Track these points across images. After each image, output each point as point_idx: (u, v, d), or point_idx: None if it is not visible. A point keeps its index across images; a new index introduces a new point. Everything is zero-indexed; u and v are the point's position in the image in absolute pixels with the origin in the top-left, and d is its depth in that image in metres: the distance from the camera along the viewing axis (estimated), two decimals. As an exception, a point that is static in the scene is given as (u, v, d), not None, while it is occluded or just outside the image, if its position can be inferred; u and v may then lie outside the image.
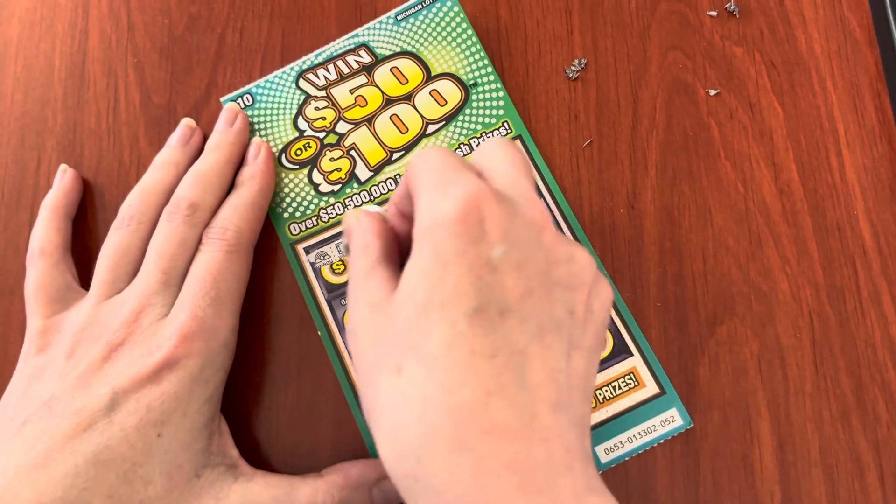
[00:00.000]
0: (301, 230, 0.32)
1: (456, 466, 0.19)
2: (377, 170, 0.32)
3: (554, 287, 0.22)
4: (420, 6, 0.33)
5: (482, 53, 0.33)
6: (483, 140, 0.32)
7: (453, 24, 0.33)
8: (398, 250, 0.26)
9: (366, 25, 0.34)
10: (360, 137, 0.32)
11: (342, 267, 0.31)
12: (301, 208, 0.32)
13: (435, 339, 0.20)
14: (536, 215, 0.22)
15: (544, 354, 0.21)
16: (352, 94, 0.33)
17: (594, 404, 0.29)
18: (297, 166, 0.32)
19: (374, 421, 0.21)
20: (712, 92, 0.33)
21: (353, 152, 0.32)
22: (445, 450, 0.19)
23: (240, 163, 0.32)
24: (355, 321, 0.23)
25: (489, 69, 0.33)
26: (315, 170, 0.32)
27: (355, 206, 0.32)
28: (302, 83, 0.33)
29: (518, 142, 0.32)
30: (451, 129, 0.32)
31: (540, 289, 0.21)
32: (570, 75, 0.33)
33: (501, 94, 0.32)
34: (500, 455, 0.19)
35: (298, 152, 0.32)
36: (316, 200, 0.32)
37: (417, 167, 0.23)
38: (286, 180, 0.32)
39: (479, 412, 0.19)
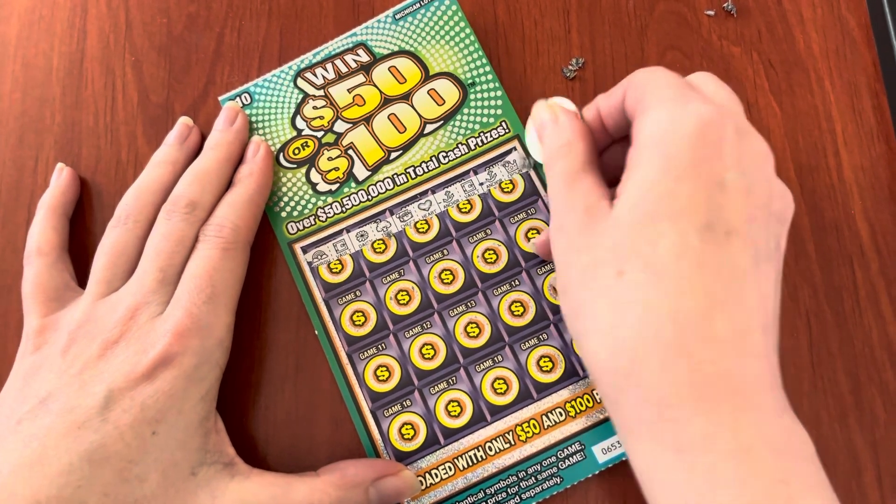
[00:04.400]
0: (298, 229, 0.32)
1: (673, 368, 0.20)
2: (375, 169, 0.32)
3: (770, 218, 0.22)
4: (418, 5, 0.33)
5: (480, 53, 0.33)
6: (482, 137, 0.32)
7: (451, 24, 0.33)
8: (598, 158, 0.26)
9: (364, 24, 0.34)
10: (358, 137, 0.32)
11: (339, 266, 0.31)
12: (299, 207, 0.32)
13: (663, 248, 0.21)
14: (764, 148, 0.23)
15: (758, 279, 0.21)
16: (350, 93, 0.33)
17: (592, 404, 0.29)
18: (295, 165, 0.32)
19: (586, 319, 0.22)
20: (710, 91, 0.33)
21: (350, 151, 0.32)
22: (664, 352, 0.20)
23: (238, 162, 0.32)
24: (568, 222, 0.23)
25: (487, 68, 0.33)
26: (313, 169, 0.32)
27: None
28: (300, 82, 0.33)
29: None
30: (449, 128, 0.32)
31: (761, 217, 0.22)
32: (568, 75, 0.33)
33: (499, 93, 0.32)
34: (716, 363, 0.20)
35: (296, 151, 0.32)
36: (314, 200, 0.32)
37: (647, 81, 0.23)
38: (284, 179, 0.32)
39: (700, 321, 0.20)
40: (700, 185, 0.21)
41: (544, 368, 0.29)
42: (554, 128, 0.25)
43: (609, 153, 0.27)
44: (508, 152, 0.32)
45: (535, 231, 0.31)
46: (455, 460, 0.29)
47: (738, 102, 0.24)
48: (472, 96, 0.32)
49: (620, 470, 0.29)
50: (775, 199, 0.23)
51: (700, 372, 0.20)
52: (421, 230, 0.31)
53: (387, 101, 0.33)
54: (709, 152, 0.21)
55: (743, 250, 0.21)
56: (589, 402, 0.29)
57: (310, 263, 0.31)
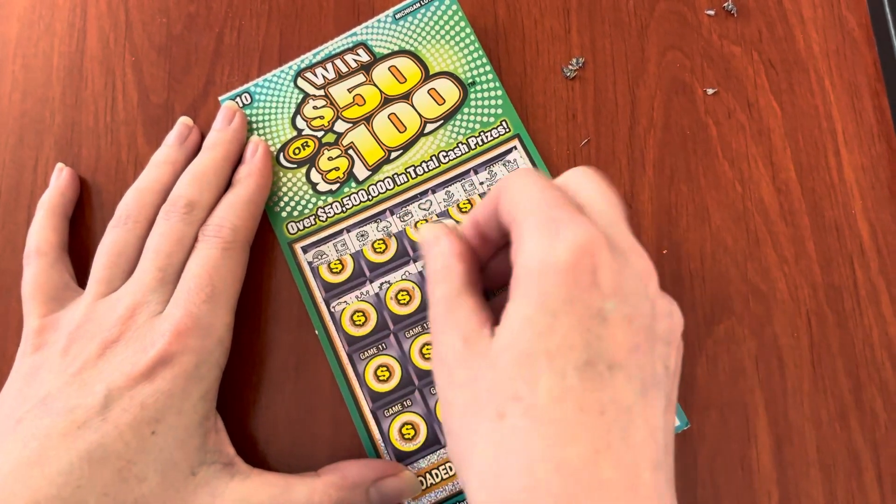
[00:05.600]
0: (299, 229, 0.32)
1: None
2: (375, 169, 0.32)
3: (656, 342, 0.21)
4: (418, 5, 0.33)
5: (481, 52, 0.33)
6: (482, 137, 0.32)
7: (452, 23, 0.33)
8: (480, 275, 0.25)
9: (364, 24, 0.34)
10: (359, 136, 0.32)
11: (340, 266, 0.31)
12: (299, 207, 0.32)
13: (542, 390, 0.19)
14: (644, 266, 0.22)
15: (646, 412, 0.20)
16: (350, 92, 0.33)
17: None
18: (295, 165, 0.32)
19: (468, 464, 0.21)
20: (710, 91, 0.33)
21: (351, 151, 0.32)
22: None
23: (237, 161, 0.32)
24: (446, 353, 0.22)
25: (488, 68, 0.33)
26: (313, 169, 0.32)
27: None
28: (300, 82, 0.33)
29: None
30: (450, 127, 0.32)
31: (645, 344, 0.21)
32: (568, 74, 0.33)
33: (500, 93, 0.32)
34: None
35: (296, 151, 0.32)
36: (314, 199, 0.32)
37: (516, 195, 0.22)
38: (284, 179, 0.32)
39: (587, 469, 0.19)
40: (577, 319, 0.20)
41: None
42: (434, 250, 0.24)
43: (497, 261, 0.26)
44: (509, 152, 0.32)
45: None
46: (455, 460, 0.29)
47: (616, 205, 0.23)
48: (472, 96, 0.32)
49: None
50: (660, 319, 0.21)
51: None
52: (421, 230, 0.31)
53: (387, 100, 0.33)
54: (584, 283, 0.20)
55: (627, 383, 0.20)
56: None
57: (310, 263, 0.31)
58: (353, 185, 0.32)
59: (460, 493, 0.29)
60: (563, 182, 0.24)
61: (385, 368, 0.30)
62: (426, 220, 0.31)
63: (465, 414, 0.21)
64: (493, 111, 0.32)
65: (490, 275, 0.26)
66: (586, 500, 0.19)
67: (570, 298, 0.20)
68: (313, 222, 0.32)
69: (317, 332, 0.30)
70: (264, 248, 0.32)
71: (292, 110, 0.33)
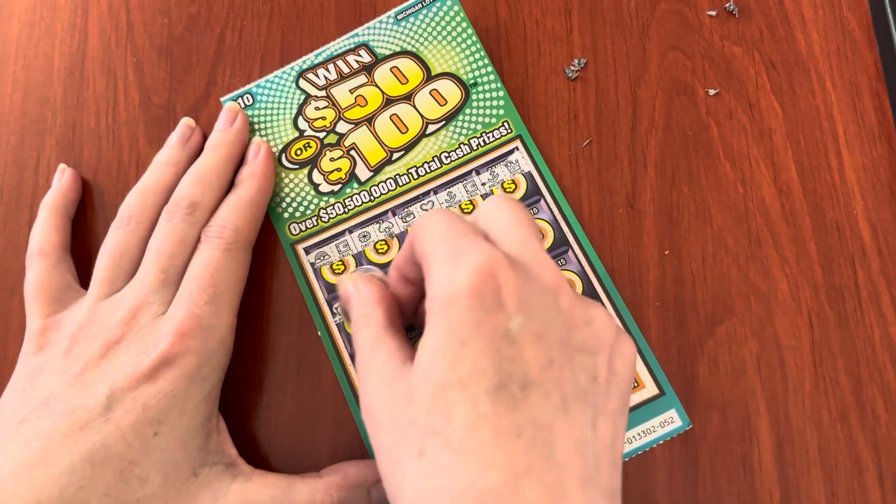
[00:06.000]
0: (301, 230, 0.32)
1: None
2: (377, 170, 0.32)
3: (575, 353, 0.21)
4: (420, 5, 0.33)
5: (482, 53, 0.33)
6: (484, 137, 0.32)
7: (453, 24, 0.33)
8: (402, 317, 0.25)
9: (365, 25, 0.34)
10: (361, 137, 0.32)
11: (342, 267, 0.31)
12: (301, 208, 0.32)
13: (457, 421, 0.19)
14: (551, 278, 0.21)
15: (570, 428, 0.20)
16: (352, 93, 0.33)
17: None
18: (297, 166, 0.32)
19: None
20: (712, 92, 0.33)
21: (353, 152, 0.32)
22: None
23: (240, 162, 0.32)
24: (370, 399, 0.22)
25: (489, 69, 0.33)
26: (315, 170, 0.32)
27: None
28: (302, 83, 0.33)
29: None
30: (451, 128, 0.32)
31: (561, 357, 0.20)
32: (570, 75, 0.33)
33: (501, 93, 0.32)
34: None
35: (298, 152, 0.32)
36: (316, 200, 0.32)
37: (423, 233, 0.22)
38: (286, 180, 0.32)
39: (507, 496, 0.18)
40: (485, 343, 0.19)
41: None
42: (355, 299, 0.24)
43: (425, 304, 0.26)
44: (511, 152, 0.32)
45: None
46: (457, 461, 0.29)
47: (526, 226, 0.22)
48: (473, 96, 0.32)
49: (623, 471, 0.29)
50: (577, 329, 0.21)
51: None
52: (423, 231, 0.31)
53: (389, 101, 0.33)
54: (489, 305, 0.20)
55: (544, 401, 0.19)
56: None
57: (312, 264, 0.31)
58: (355, 185, 0.32)
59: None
60: (476, 214, 0.23)
61: (387, 369, 0.30)
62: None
63: (392, 457, 0.21)
64: (494, 112, 0.32)
65: (421, 320, 0.26)
66: None
67: (477, 323, 0.20)
68: (315, 223, 0.32)
69: (319, 332, 0.31)
70: (266, 249, 0.32)
71: (294, 111, 0.33)
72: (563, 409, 0.20)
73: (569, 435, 0.20)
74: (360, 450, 0.30)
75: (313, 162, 0.32)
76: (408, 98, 0.33)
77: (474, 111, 0.32)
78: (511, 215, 0.23)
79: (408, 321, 0.27)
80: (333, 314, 0.31)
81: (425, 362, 0.20)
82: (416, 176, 0.32)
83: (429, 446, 0.19)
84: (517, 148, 0.32)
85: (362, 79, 0.33)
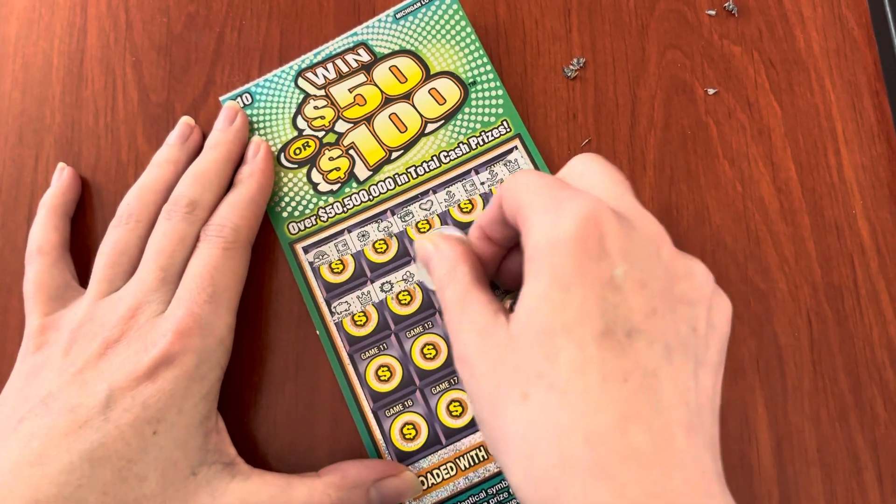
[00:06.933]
0: (300, 229, 0.32)
1: (597, 494, 0.18)
2: (376, 169, 0.32)
3: (676, 304, 0.21)
4: (419, 4, 0.33)
5: (481, 52, 0.33)
6: (483, 136, 0.32)
7: (452, 23, 0.33)
8: (486, 274, 0.25)
9: (364, 24, 0.34)
10: (359, 136, 0.32)
11: (341, 266, 0.31)
12: (300, 208, 0.32)
13: (563, 364, 0.19)
14: (653, 230, 0.21)
15: (674, 375, 0.20)
16: (351, 92, 0.33)
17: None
18: (296, 165, 0.32)
19: (503, 450, 0.21)
20: (711, 91, 0.33)
21: (352, 151, 0.32)
22: (585, 477, 0.19)
23: (239, 161, 0.32)
24: (465, 349, 0.22)
25: (488, 67, 0.33)
26: (314, 169, 0.32)
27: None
28: (301, 82, 0.33)
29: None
30: (450, 127, 0.32)
31: (664, 307, 0.20)
32: (569, 74, 0.33)
33: (501, 92, 0.32)
34: (640, 482, 0.18)
35: (297, 151, 0.32)
36: (315, 200, 0.32)
37: (517, 189, 0.22)
38: (285, 179, 0.32)
39: (616, 438, 0.19)
40: (590, 289, 0.20)
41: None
42: (437, 257, 0.24)
43: (509, 261, 0.26)
44: (510, 151, 0.32)
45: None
46: (456, 460, 0.29)
47: (621, 181, 0.23)
48: (472, 95, 0.32)
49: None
50: (678, 281, 0.21)
51: (625, 494, 0.18)
52: (422, 230, 0.31)
53: (388, 100, 0.33)
54: (593, 252, 0.20)
55: (649, 348, 0.20)
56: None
57: (311, 263, 0.31)
58: (354, 185, 0.32)
59: (462, 493, 0.29)
60: (565, 172, 0.24)
61: (386, 368, 0.30)
62: (427, 221, 0.31)
63: (493, 402, 0.21)
64: (493, 111, 0.32)
65: (505, 276, 0.26)
66: (619, 468, 0.19)
67: (581, 269, 0.20)
68: (314, 222, 0.32)
69: (317, 332, 0.30)
70: (265, 249, 0.32)
71: (293, 110, 0.33)
72: (666, 357, 0.20)
73: (673, 382, 0.20)
74: (359, 449, 0.30)
75: (312, 161, 0.32)
76: (407, 97, 0.33)
77: (473, 110, 0.32)
78: (603, 170, 0.23)
79: (489, 279, 0.27)
80: (332, 313, 0.31)
81: (528, 308, 0.20)
82: (414, 175, 0.32)
83: (533, 389, 0.20)
84: (516, 147, 0.32)
85: (361, 78, 0.33)
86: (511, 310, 0.22)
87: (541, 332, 0.20)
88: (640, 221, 0.21)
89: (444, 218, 0.31)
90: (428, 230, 0.31)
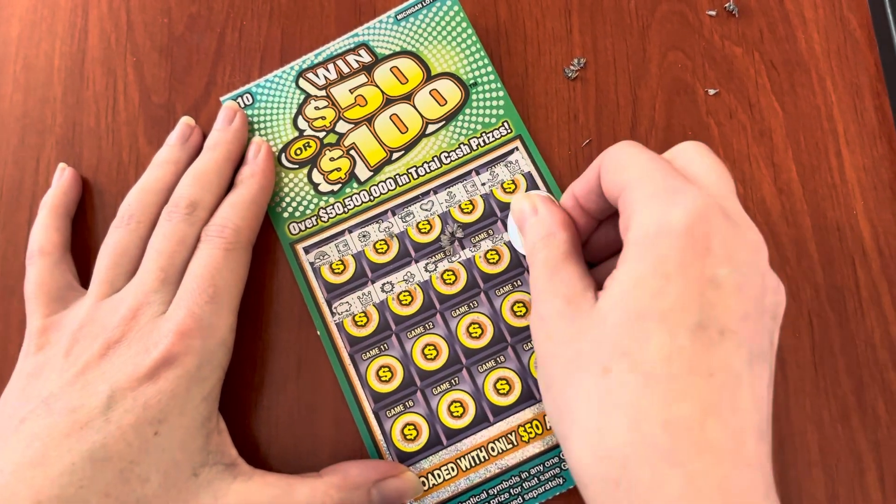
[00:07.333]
0: (301, 230, 0.32)
1: (667, 479, 0.19)
2: (377, 169, 0.32)
3: (764, 314, 0.21)
4: (420, 5, 0.33)
5: (482, 53, 0.33)
6: (484, 137, 0.32)
7: (453, 24, 0.33)
8: (580, 244, 0.25)
9: (365, 25, 0.34)
10: (360, 137, 0.32)
11: (342, 267, 0.31)
12: (301, 208, 0.32)
13: (653, 348, 0.20)
14: (756, 238, 0.22)
15: (752, 381, 0.20)
16: (352, 93, 0.33)
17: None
18: (297, 166, 0.32)
19: (568, 419, 0.21)
20: (712, 92, 0.33)
21: (352, 152, 0.32)
22: (658, 461, 0.19)
23: (239, 161, 0.32)
24: (548, 312, 0.22)
25: (489, 69, 0.33)
26: (315, 169, 0.32)
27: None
28: (302, 83, 0.33)
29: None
30: (451, 128, 0.32)
31: (755, 314, 0.21)
32: (570, 75, 0.33)
33: (501, 93, 0.32)
34: (710, 474, 0.19)
35: (298, 152, 0.32)
36: (316, 200, 0.32)
37: (623, 165, 0.22)
38: (286, 180, 0.32)
39: (694, 429, 0.19)
40: (690, 283, 0.20)
41: (547, 369, 0.29)
42: (534, 219, 0.24)
43: (598, 234, 0.26)
44: (510, 152, 0.32)
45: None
46: (458, 461, 0.29)
47: (728, 179, 0.23)
48: (473, 96, 0.32)
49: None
50: (769, 293, 0.22)
51: (694, 484, 0.19)
52: (423, 231, 0.31)
53: (389, 101, 0.33)
54: (699, 249, 0.20)
55: (737, 350, 0.20)
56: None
57: (312, 264, 0.31)
58: (355, 185, 0.32)
59: (463, 493, 0.29)
60: (672, 155, 0.24)
61: (387, 369, 0.30)
62: (428, 222, 0.31)
63: (567, 368, 0.21)
64: (494, 112, 0.32)
65: (591, 249, 0.26)
66: (693, 458, 0.19)
67: (685, 262, 0.20)
68: (315, 223, 0.32)
69: (318, 332, 0.30)
70: (266, 249, 0.32)
71: (294, 111, 0.33)
72: (749, 362, 0.20)
73: (751, 388, 0.20)
74: (361, 449, 0.30)
75: (313, 162, 0.32)
76: (408, 98, 0.33)
77: (474, 111, 0.32)
78: (712, 165, 0.23)
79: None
80: (333, 314, 0.31)
81: (624, 289, 0.21)
82: (415, 176, 0.32)
83: (616, 365, 0.20)
84: (517, 148, 0.32)
85: (362, 78, 0.33)
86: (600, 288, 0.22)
87: (633, 313, 0.20)
88: (745, 228, 0.22)
89: (445, 219, 0.31)
90: (514, 191, 0.30)
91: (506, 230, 0.30)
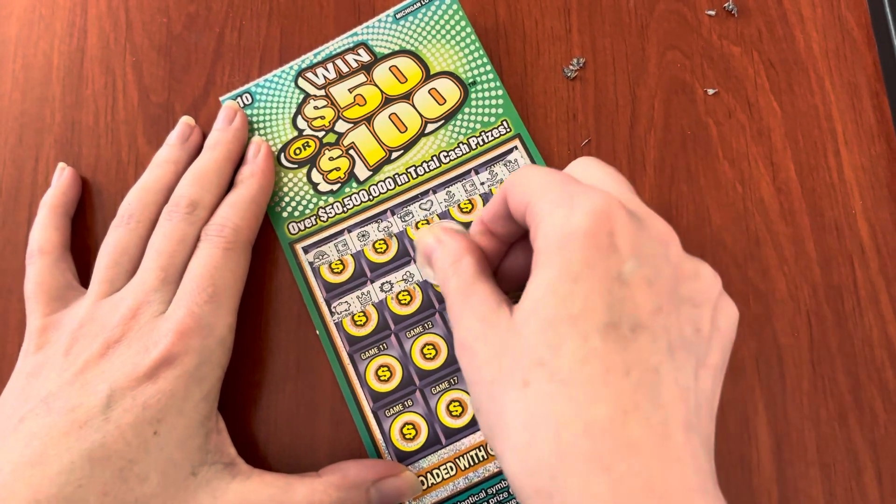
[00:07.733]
0: (300, 229, 0.32)
1: (594, 485, 0.19)
2: (376, 169, 0.32)
3: (682, 304, 0.21)
4: (419, 4, 0.33)
5: (481, 52, 0.33)
6: (483, 137, 0.32)
7: (452, 23, 0.33)
8: (489, 266, 0.25)
9: (364, 24, 0.34)
10: (359, 136, 0.32)
11: (341, 266, 0.31)
12: (300, 208, 0.32)
13: (566, 354, 0.19)
14: (662, 229, 0.22)
15: (675, 373, 0.20)
16: (351, 93, 0.33)
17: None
18: (296, 165, 0.32)
19: (500, 436, 0.21)
20: (710, 91, 0.33)
21: (352, 151, 0.32)
22: (582, 468, 0.19)
23: (239, 161, 0.32)
24: (466, 336, 0.22)
25: (488, 68, 0.33)
26: (314, 169, 0.32)
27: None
28: (301, 82, 0.33)
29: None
30: (450, 127, 0.32)
31: (669, 305, 0.21)
32: (569, 74, 0.33)
33: (500, 92, 0.33)
34: (637, 475, 0.19)
35: (297, 151, 0.32)
36: (315, 200, 0.32)
37: (525, 184, 0.22)
38: (285, 180, 0.32)
39: (615, 430, 0.19)
40: (597, 282, 0.20)
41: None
42: (440, 249, 0.24)
43: (510, 259, 0.26)
44: (510, 151, 0.32)
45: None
46: (456, 460, 0.29)
47: (625, 184, 0.23)
48: (472, 96, 0.32)
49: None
50: (684, 282, 0.21)
51: (622, 487, 0.19)
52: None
53: (388, 100, 0.33)
54: (603, 247, 0.20)
55: (652, 344, 0.20)
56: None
57: (311, 263, 0.31)
58: (354, 185, 0.32)
59: (462, 492, 0.29)
60: (570, 170, 0.24)
61: (386, 368, 0.30)
62: (427, 221, 0.31)
63: (492, 388, 0.21)
64: (493, 111, 0.32)
65: (505, 275, 0.26)
66: (617, 460, 0.19)
67: (591, 262, 0.20)
68: (314, 222, 0.32)
69: (317, 331, 0.31)
70: (265, 249, 0.32)
71: (293, 110, 0.33)
72: (669, 354, 0.20)
73: (674, 380, 0.20)
74: (359, 449, 0.30)
75: (312, 161, 0.32)
76: (407, 97, 0.33)
77: (473, 110, 0.32)
78: (605, 172, 0.23)
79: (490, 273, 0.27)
80: (332, 313, 0.31)
81: (535, 298, 0.21)
82: (414, 175, 0.32)
83: (534, 377, 0.20)
84: (516, 147, 0.32)
85: (361, 78, 0.33)
86: (515, 301, 0.22)
87: (546, 321, 0.20)
88: (650, 220, 0.22)
89: (445, 218, 0.31)
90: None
91: (425, 265, 0.30)
